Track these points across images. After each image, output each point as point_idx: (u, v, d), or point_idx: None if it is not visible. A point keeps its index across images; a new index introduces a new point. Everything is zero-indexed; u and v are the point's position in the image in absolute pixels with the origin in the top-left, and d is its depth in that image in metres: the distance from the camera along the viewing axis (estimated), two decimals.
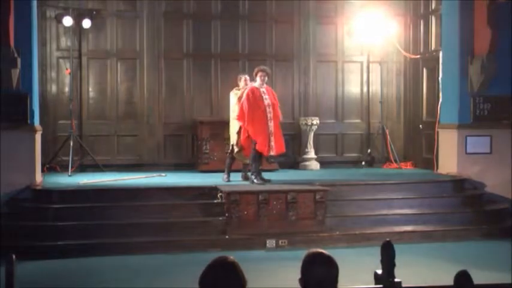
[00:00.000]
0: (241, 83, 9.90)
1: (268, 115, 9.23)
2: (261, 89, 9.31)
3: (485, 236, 8.84)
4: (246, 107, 9.13)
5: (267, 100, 9.24)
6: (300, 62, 12.34)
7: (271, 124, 9.24)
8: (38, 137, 9.57)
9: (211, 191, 8.76)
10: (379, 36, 12.14)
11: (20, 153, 8.97)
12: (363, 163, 12.20)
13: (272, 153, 9.27)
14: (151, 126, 11.78)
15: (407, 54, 12.39)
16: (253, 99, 9.17)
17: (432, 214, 9.13)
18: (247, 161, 9.72)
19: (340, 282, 2.87)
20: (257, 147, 9.18)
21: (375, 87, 12.60)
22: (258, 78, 9.29)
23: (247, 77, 9.91)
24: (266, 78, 9.37)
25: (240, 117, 9.24)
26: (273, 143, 9.20)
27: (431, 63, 11.77)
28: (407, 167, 12.07)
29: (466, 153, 10.12)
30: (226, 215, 8.33)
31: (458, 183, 9.79)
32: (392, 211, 9.06)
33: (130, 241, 8.02)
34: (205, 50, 11.99)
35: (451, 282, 2.99)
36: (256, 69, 9.41)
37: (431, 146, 11.18)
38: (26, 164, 9.04)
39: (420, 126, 12.08)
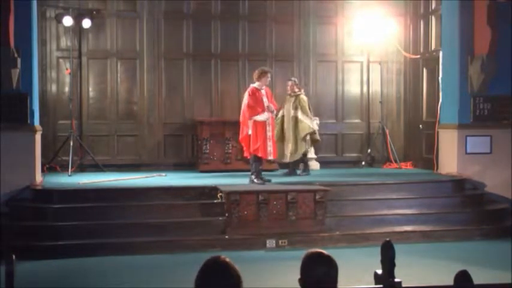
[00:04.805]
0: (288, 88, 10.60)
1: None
2: (261, 91, 9.37)
3: (485, 236, 8.84)
4: (252, 105, 9.18)
5: (266, 103, 9.31)
6: (300, 62, 12.35)
7: (269, 128, 9.33)
8: (38, 137, 9.57)
9: (211, 191, 8.76)
10: (379, 36, 12.14)
11: (20, 153, 8.97)
12: (363, 163, 12.20)
13: (270, 157, 9.38)
14: (151, 126, 11.79)
15: (407, 54, 12.39)
16: (256, 101, 9.22)
17: (432, 214, 9.12)
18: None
19: (340, 282, 2.87)
20: (256, 151, 9.23)
21: (375, 87, 12.60)
22: (262, 80, 9.33)
23: (289, 82, 10.66)
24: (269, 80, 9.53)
25: (252, 112, 9.22)
26: (271, 148, 9.29)
27: (431, 63, 11.77)
28: (407, 167, 12.07)
29: (466, 153, 10.12)
30: (226, 215, 8.33)
31: (458, 183, 9.79)
32: (392, 211, 9.06)
33: (131, 241, 8.01)
34: (205, 50, 12.00)
35: (451, 282, 2.98)
36: (263, 70, 9.48)
37: (431, 146, 11.18)
38: (26, 164, 9.04)
39: (420, 126, 12.08)
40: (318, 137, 10.71)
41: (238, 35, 12.14)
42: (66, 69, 11.28)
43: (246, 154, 9.60)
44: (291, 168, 10.72)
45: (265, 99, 9.36)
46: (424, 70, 12.10)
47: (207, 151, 11.11)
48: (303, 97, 10.54)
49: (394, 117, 12.72)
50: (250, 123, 9.25)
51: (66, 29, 11.25)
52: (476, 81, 10.01)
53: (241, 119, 9.40)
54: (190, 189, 8.99)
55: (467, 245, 8.44)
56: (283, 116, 10.55)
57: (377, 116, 12.45)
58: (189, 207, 8.69)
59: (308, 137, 10.52)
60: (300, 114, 10.39)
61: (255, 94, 9.28)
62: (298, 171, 10.73)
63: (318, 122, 11.69)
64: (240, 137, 9.48)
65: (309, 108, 10.51)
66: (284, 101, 10.67)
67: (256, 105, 9.21)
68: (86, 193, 8.73)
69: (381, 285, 3.35)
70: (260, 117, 9.23)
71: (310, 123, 10.38)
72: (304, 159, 10.77)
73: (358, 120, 12.60)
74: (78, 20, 11.05)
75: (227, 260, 2.59)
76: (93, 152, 11.19)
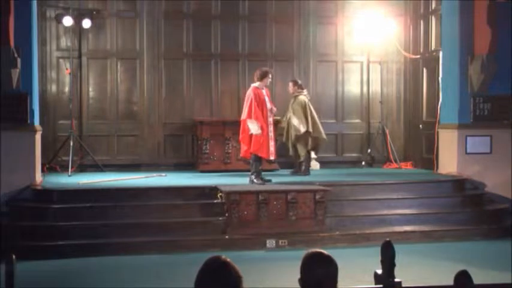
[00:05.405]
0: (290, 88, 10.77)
1: (269, 119, 9.33)
2: (263, 91, 9.39)
3: (485, 236, 8.83)
4: (255, 107, 9.19)
5: (268, 104, 9.35)
6: (300, 62, 12.35)
7: (270, 129, 9.35)
8: (38, 137, 9.57)
9: (211, 191, 8.75)
10: (379, 36, 12.15)
11: (20, 153, 8.97)
12: (363, 163, 12.20)
13: (272, 157, 9.40)
14: (151, 126, 11.79)
15: (407, 54, 12.39)
16: (259, 101, 9.23)
17: (432, 214, 9.13)
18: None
19: (340, 283, 2.87)
20: (257, 151, 9.25)
21: (375, 87, 12.60)
22: (264, 80, 9.35)
23: (291, 83, 10.77)
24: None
25: (249, 114, 9.20)
26: (272, 148, 9.32)
27: (431, 63, 11.77)
28: (407, 167, 12.07)
29: (466, 153, 10.12)
30: (226, 215, 8.33)
31: (458, 183, 9.79)
32: (392, 211, 9.06)
33: (131, 241, 8.01)
34: (205, 50, 12.00)
35: (451, 282, 2.99)
36: (265, 70, 9.54)
37: (431, 146, 11.18)
38: (26, 164, 9.04)
39: (420, 126, 12.08)
40: (318, 135, 10.62)
41: (238, 35, 12.14)
42: (66, 69, 11.28)
43: (243, 154, 9.56)
44: (298, 167, 10.74)
45: (267, 99, 9.40)
46: (424, 70, 12.10)
47: (207, 151, 11.11)
48: (300, 98, 10.51)
49: (394, 117, 12.72)
50: (249, 123, 9.23)
51: (66, 29, 11.25)
52: (476, 81, 10.01)
53: (242, 118, 9.39)
54: (190, 189, 8.99)
55: (467, 245, 8.44)
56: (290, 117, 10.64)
57: (377, 116, 12.45)
58: (189, 207, 8.69)
59: (309, 138, 10.56)
60: (292, 117, 10.45)
61: (258, 94, 9.29)
62: (306, 172, 10.70)
63: None
64: (241, 136, 9.47)
65: (309, 109, 10.49)
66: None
67: (258, 105, 9.19)
68: (86, 193, 8.73)
69: (381, 285, 3.35)
70: (253, 126, 9.18)
71: (298, 126, 10.36)
72: (306, 159, 10.79)
73: (358, 120, 12.60)
74: (78, 20, 11.05)
75: (227, 260, 2.59)
76: (93, 152, 11.18)
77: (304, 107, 10.46)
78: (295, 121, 10.42)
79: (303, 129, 10.37)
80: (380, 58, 12.59)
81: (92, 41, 11.64)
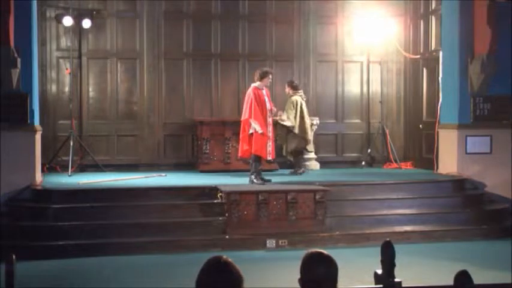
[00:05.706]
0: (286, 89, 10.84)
1: (268, 119, 9.33)
2: (263, 91, 9.39)
3: (485, 236, 8.84)
4: (255, 106, 9.19)
5: (267, 104, 9.35)
6: (300, 62, 12.35)
7: (269, 129, 9.35)
8: (38, 137, 9.57)
9: (211, 191, 8.76)
10: (379, 36, 12.15)
11: (20, 153, 8.97)
12: (363, 163, 12.20)
13: (269, 158, 9.42)
14: (151, 126, 11.79)
15: (407, 54, 12.39)
16: (259, 101, 9.23)
17: (432, 214, 9.13)
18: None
19: (340, 282, 2.87)
20: (257, 151, 9.25)
21: (375, 87, 12.60)
22: (264, 80, 9.35)
23: (286, 84, 10.84)
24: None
25: (250, 114, 9.23)
26: (270, 148, 9.33)
27: (431, 63, 11.77)
28: (407, 167, 12.07)
29: (466, 153, 10.12)
30: (226, 215, 8.33)
31: (458, 183, 9.79)
32: (392, 211, 9.06)
33: (131, 241, 8.01)
34: (205, 50, 12.00)
35: (451, 282, 2.99)
36: (266, 71, 9.54)
37: (431, 146, 11.18)
38: (26, 164, 9.04)
39: (420, 126, 12.08)
40: (302, 134, 10.59)
41: (238, 35, 12.13)
42: (66, 69, 11.28)
43: (241, 154, 9.56)
44: (297, 167, 10.76)
45: (267, 100, 9.40)
46: (424, 70, 12.10)
47: (207, 151, 11.11)
48: (293, 98, 10.57)
49: (394, 117, 12.73)
50: (252, 122, 9.23)
51: (66, 29, 11.25)
52: (476, 81, 10.01)
53: (242, 118, 9.39)
54: (190, 189, 8.99)
55: (467, 245, 8.44)
56: None
57: (377, 116, 12.46)
58: (189, 207, 8.69)
59: (296, 138, 10.59)
60: (283, 115, 10.55)
61: (258, 95, 9.29)
62: (300, 170, 10.74)
63: (317, 122, 11.71)
64: (241, 135, 9.46)
65: (300, 108, 10.49)
66: None
67: (258, 105, 9.20)
68: (86, 193, 8.73)
69: (381, 285, 3.35)
70: (256, 125, 9.18)
71: (286, 120, 10.46)
72: (296, 158, 10.79)
73: (358, 120, 12.60)
74: (78, 20, 11.05)
75: (228, 260, 2.59)
76: (93, 152, 11.18)
77: (295, 106, 10.50)
78: (284, 117, 10.50)
79: (290, 124, 10.44)
80: (380, 58, 12.59)
81: (91, 41, 11.64)
